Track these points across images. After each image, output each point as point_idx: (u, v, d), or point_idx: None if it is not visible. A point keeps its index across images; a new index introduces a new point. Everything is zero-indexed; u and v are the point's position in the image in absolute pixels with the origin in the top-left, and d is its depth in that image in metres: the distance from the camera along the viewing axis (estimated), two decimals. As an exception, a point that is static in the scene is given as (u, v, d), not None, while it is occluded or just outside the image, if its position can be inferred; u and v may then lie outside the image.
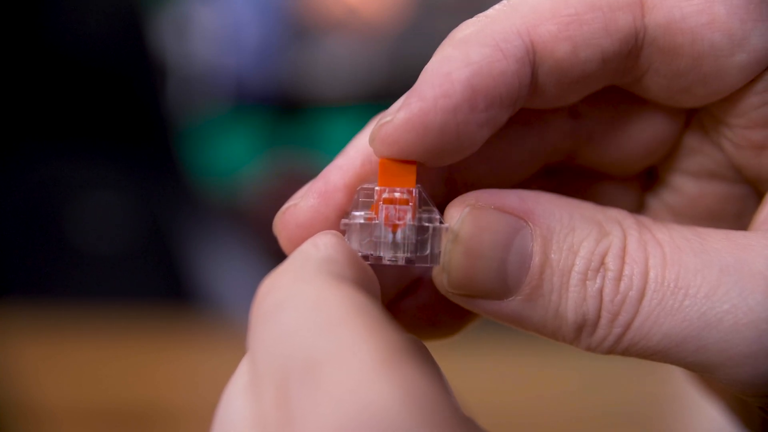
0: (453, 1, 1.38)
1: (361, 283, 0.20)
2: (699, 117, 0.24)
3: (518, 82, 0.21)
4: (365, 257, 0.22)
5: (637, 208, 0.26)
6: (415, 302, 0.26)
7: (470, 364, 0.58)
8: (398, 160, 0.22)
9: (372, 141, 0.22)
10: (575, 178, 0.26)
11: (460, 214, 0.22)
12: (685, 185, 0.25)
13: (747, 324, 0.20)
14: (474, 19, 0.22)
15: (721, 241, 0.21)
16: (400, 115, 0.21)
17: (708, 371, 0.21)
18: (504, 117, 0.22)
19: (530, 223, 0.22)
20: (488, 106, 0.21)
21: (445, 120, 0.21)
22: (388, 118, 0.21)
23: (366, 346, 0.17)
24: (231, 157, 1.40)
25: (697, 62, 0.22)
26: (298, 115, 1.42)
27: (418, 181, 0.22)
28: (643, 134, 0.24)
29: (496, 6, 0.22)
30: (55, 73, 1.00)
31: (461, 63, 0.21)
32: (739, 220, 0.24)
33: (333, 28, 1.43)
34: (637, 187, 0.26)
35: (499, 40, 0.21)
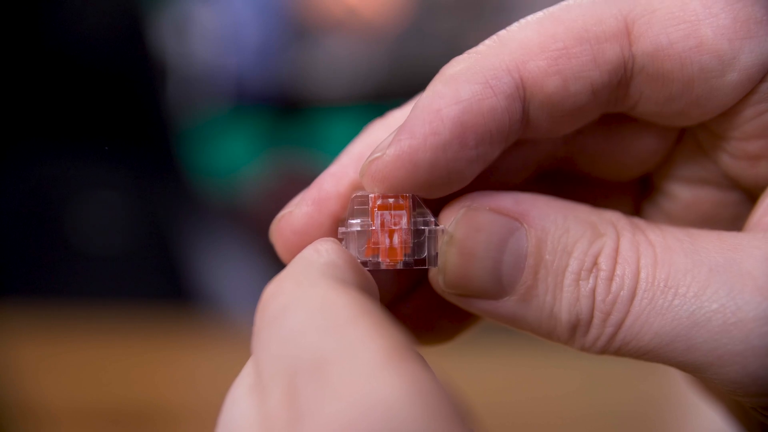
0: (453, 1, 1.38)
1: (363, 287, 0.21)
2: (692, 129, 0.24)
3: (508, 118, 0.21)
4: (364, 263, 0.23)
5: (633, 212, 0.26)
6: (413, 307, 0.26)
7: (470, 364, 0.58)
8: None
9: (362, 176, 0.22)
10: (571, 183, 0.26)
11: (455, 216, 0.22)
12: (679, 191, 0.25)
13: (735, 323, 0.20)
14: (464, 55, 0.22)
15: (712, 242, 0.21)
16: (390, 152, 0.21)
17: (698, 371, 0.21)
18: (495, 152, 0.22)
19: (525, 225, 0.22)
20: (478, 143, 0.21)
21: (435, 157, 0.21)
22: (378, 155, 0.22)
23: (373, 345, 0.17)
24: (231, 157, 1.40)
25: (688, 86, 0.22)
26: (298, 115, 1.42)
27: None
28: (635, 145, 0.24)
29: (486, 42, 0.22)
30: (56, 73, 1.00)
31: (451, 100, 0.21)
32: (734, 224, 0.25)
33: (333, 28, 1.43)
34: (632, 192, 0.26)
35: (488, 77, 0.21)
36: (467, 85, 0.21)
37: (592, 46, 0.21)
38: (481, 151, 0.21)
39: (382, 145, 0.22)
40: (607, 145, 0.25)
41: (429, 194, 0.22)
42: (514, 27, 0.22)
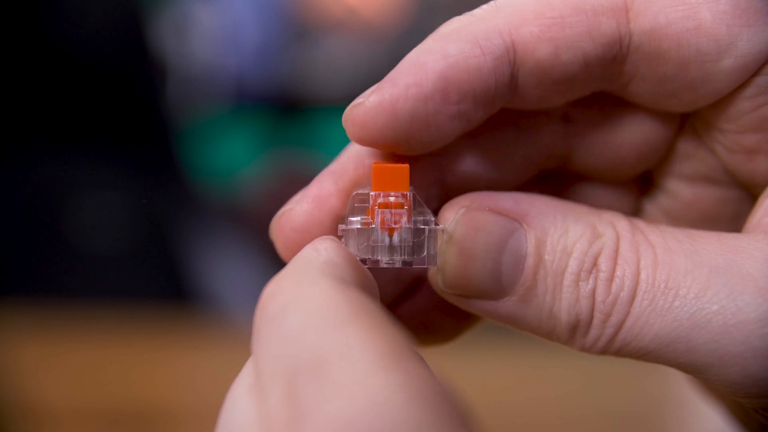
0: (453, 1, 1.38)
1: (362, 286, 0.21)
2: (692, 122, 0.24)
3: (495, 79, 0.21)
4: (363, 261, 0.23)
5: (634, 212, 0.26)
6: (412, 307, 0.26)
7: (470, 364, 0.58)
8: (391, 165, 0.22)
9: (344, 122, 0.22)
10: (571, 184, 0.26)
11: (454, 216, 0.22)
12: (680, 189, 0.25)
13: (736, 325, 0.20)
14: (460, 16, 0.22)
15: (712, 243, 0.21)
16: (372, 99, 0.22)
17: (699, 372, 0.21)
18: (479, 113, 0.22)
19: (524, 225, 0.22)
20: (461, 99, 0.21)
21: (416, 108, 0.21)
22: (361, 101, 0.22)
23: (373, 344, 0.17)
24: (231, 157, 1.40)
25: (683, 68, 0.22)
26: (298, 115, 1.42)
27: (412, 186, 0.23)
28: (635, 139, 0.24)
29: (484, 6, 0.22)
30: (56, 73, 1.00)
31: (438, 55, 0.21)
32: (735, 222, 0.25)
33: (333, 28, 1.43)
34: (633, 191, 0.26)
35: (479, 38, 0.21)
36: (457, 42, 0.21)
37: (588, 17, 0.21)
38: (463, 108, 0.22)
39: (366, 92, 0.22)
40: (606, 139, 0.25)
41: (408, 149, 0.22)
42: None
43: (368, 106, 0.22)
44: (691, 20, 0.21)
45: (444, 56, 0.21)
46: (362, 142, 0.23)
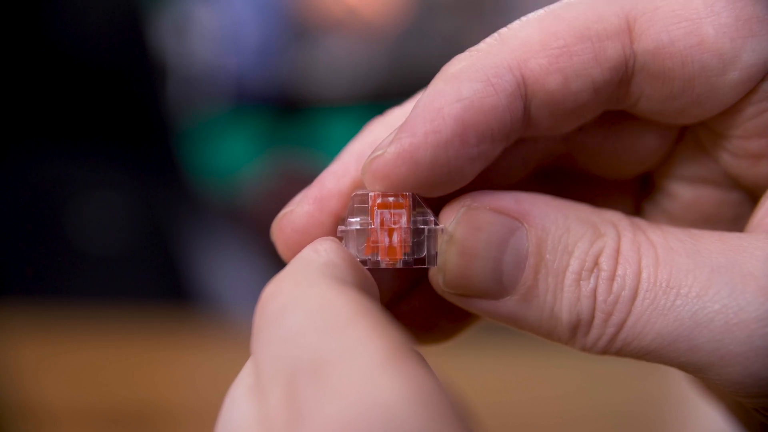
0: (453, 1, 1.38)
1: (362, 287, 0.21)
2: (693, 128, 0.24)
3: (510, 115, 0.21)
4: (363, 262, 0.23)
5: (634, 213, 0.26)
6: (412, 306, 0.26)
7: (470, 364, 0.58)
8: None
9: (363, 174, 0.22)
10: (571, 182, 0.26)
11: (455, 215, 0.22)
12: (680, 191, 0.25)
13: (738, 324, 0.20)
14: (465, 53, 0.22)
15: (714, 243, 0.21)
16: (391, 150, 0.21)
17: (700, 371, 0.21)
18: (497, 150, 0.22)
19: (525, 224, 0.22)
20: (480, 141, 0.21)
21: (436, 155, 0.21)
22: (380, 152, 0.22)
23: (372, 345, 0.17)
24: (231, 157, 1.40)
25: (689, 84, 0.22)
26: (298, 115, 1.42)
27: None
28: (636, 143, 0.24)
29: (487, 39, 0.22)
30: (56, 73, 1.00)
31: (452, 98, 0.21)
32: (735, 224, 0.24)
33: (333, 28, 1.43)
34: (633, 191, 0.26)
35: (490, 75, 0.21)
36: (468, 83, 0.21)
37: (594, 43, 0.21)
38: (483, 149, 0.21)
39: (384, 143, 0.22)
40: (607, 142, 0.25)
41: (430, 193, 0.22)
42: (516, 25, 0.22)
43: (388, 158, 0.21)
44: (694, 36, 0.21)
45: (458, 99, 0.21)
46: (382, 192, 0.22)
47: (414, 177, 0.21)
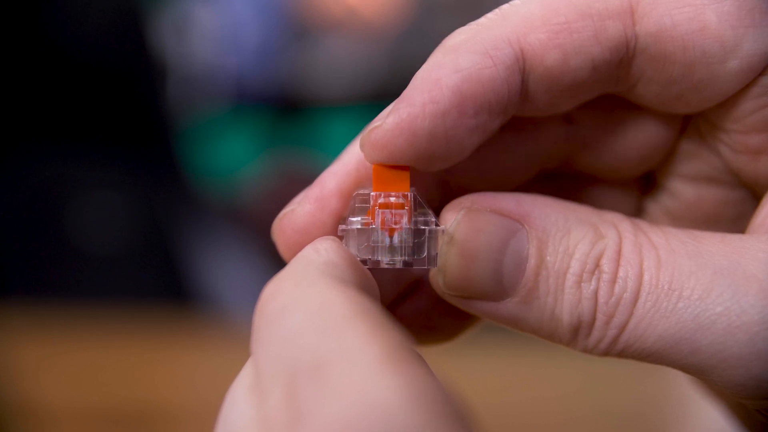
0: (453, 1, 1.38)
1: (362, 287, 0.21)
2: (695, 122, 0.24)
3: (507, 88, 0.21)
4: (363, 261, 0.22)
5: (636, 212, 0.26)
6: (412, 307, 0.26)
7: (470, 364, 0.58)
8: (391, 166, 0.22)
9: (362, 146, 0.22)
10: (573, 184, 0.26)
11: (456, 217, 0.22)
12: (682, 190, 0.25)
13: (740, 326, 0.20)
14: (466, 27, 0.22)
15: (716, 244, 0.21)
16: (389, 120, 0.21)
17: (702, 373, 0.21)
18: (494, 123, 0.22)
19: (526, 226, 0.22)
20: (477, 112, 0.21)
21: (434, 125, 0.21)
22: (378, 123, 0.22)
23: (372, 346, 0.17)
24: (231, 157, 1.40)
25: (689, 70, 0.22)
26: (298, 115, 1.42)
27: (413, 187, 0.23)
28: (638, 140, 0.24)
29: (488, 15, 0.22)
30: (56, 73, 1.00)
31: (450, 69, 0.21)
32: (737, 223, 0.24)
33: (333, 28, 1.43)
34: (635, 191, 0.26)
35: (488, 48, 0.21)
36: (467, 54, 0.21)
37: (595, 22, 0.21)
38: (480, 120, 0.21)
39: (382, 114, 0.22)
40: (609, 139, 0.25)
41: (428, 165, 0.22)
42: (518, 1, 0.22)
43: (386, 128, 0.21)
44: (697, 22, 0.21)
45: (456, 70, 0.21)
46: (380, 163, 0.22)
47: (412, 148, 0.21)
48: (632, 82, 0.23)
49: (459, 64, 0.21)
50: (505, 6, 0.22)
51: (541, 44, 0.21)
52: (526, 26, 0.21)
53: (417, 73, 0.22)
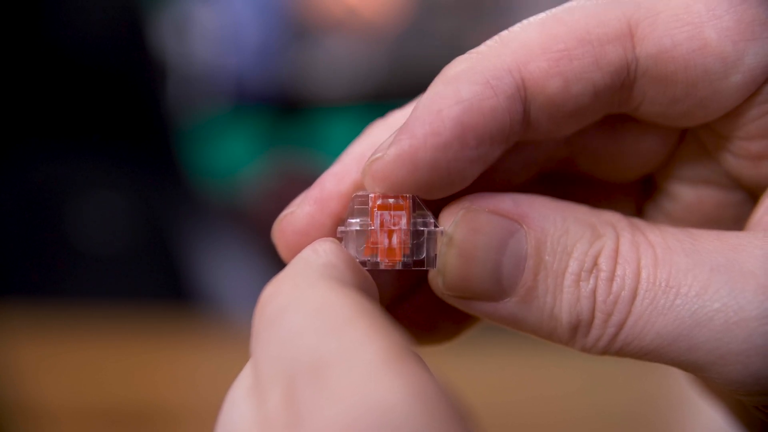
0: (453, 1, 1.38)
1: (362, 288, 0.21)
2: (695, 129, 0.24)
3: (509, 118, 0.21)
4: (363, 263, 0.22)
5: (635, 214, 0.26)
6: (412, 308, 0.26)
7: (470, 365, 0.58)
8: None
9: (363, 176, 0.22)
10: (572, 185, 0.26)
11: (454, 217, 0.22)
12: (682, 192, 0.25)
13: (737, 323, 0.20)
14: (465, 55, 0.22)
15: (712, 242, 0.21)
16: (391, 152, 0.21)
17: (700, 370, 0.21)
18: (496, 152, 0.22)
19: (524, 226, 0.22)
20: (479, 144, 0.21)
21: (436, 157, 0.21)
22: (379, 155, 0.22)
23: (372, 346, 0.17)
24: (231, 157, 1.40)
25: (691, 88, 0.22)
26: (298, 115, 1.42)
27: None
28: (638, 146, 0.24)
29: (488, 42, 0.22)
30: (56, 73, 1.00)
31: (452, 100, 0.21)
32: (737, 225, 0.24)
33: (333, 28, 1.43)
34: (634, 193, 0.26)
35: (489, 78, 0.21)
36: (468, 85, 0.21)
37: (595, 47, 0.21)
38: (482, 151, 0.21)
39: (383, 145, 0.22)
40: (609, 145, 0.25)
41: (430, 195, 0.22)
42: (516, 28, 0.22)
43: (388, 160, 0.21)
44: (697, 40, 0.21)
45: (458, 101, 0.21)
46: (382, 193, 0.22)
47: (413, 179, 0.21)
48: (635, 104, 0.23)
49: (460, 95, 0.21)
50: (504, 33, 0.22)
51: (542, 72, 0.21)
52: (526, 54, 0.21)
53: (418, 102, 0.22)
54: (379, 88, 1.35)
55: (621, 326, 0.21)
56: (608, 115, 0.23)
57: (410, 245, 0.23)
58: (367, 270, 0.22)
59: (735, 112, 0.22)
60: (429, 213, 0.23)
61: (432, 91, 0.21)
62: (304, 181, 0.25)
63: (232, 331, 0.78)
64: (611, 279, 0.21)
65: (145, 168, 1.03)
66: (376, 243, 0.22)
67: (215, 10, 1.40)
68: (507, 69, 0.21)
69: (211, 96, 1.38)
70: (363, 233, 0.23)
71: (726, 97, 0.22)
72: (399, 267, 0.23)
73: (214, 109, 1.39)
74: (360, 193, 0.23)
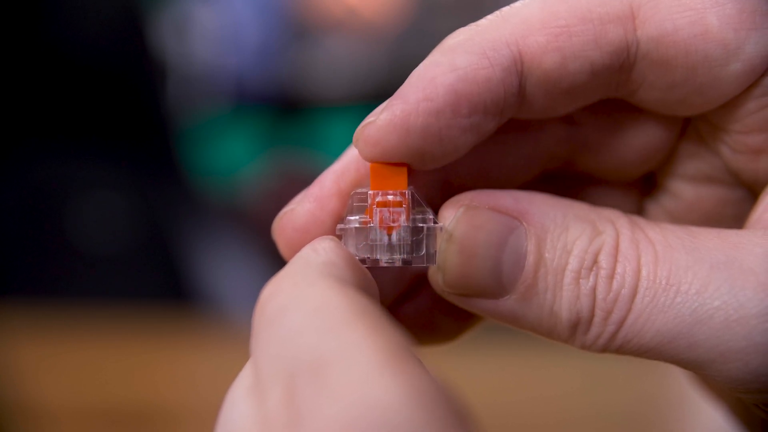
0: (453, 1, 1.38)
1: (362, 286, 0.21)
2: (695, 123, 0.24)
3: (504, 90, 0.21)
4: (362, 260, 0.22)
5: (636, 213, 0.26)
6: (413, 308, 0.26)
7: (470, 365, 0.58)
8: (388, 164, 0.22)
9: (356, 142, 0.22)
10: (573, 184, 0.26)
11: (454, 214, 0.22)
12: (682, 190, 0.25)
13: (738, 320, 0.20)
14: (465, 28, 0.22)
15: (712, 240, 0.21)
16: (383, 117, 0.21)
17: (700, 368, 0.21)
18: (489, 124, 0.22)
19: (524, 223, 0.22)
20: (472, 112, 0.21)
21: (427, 123, 0.21)
22: (371, 119, 0.22)
23: (371, 346, 0.17)
24: (231, 157, 1.40)
25: (691, 73, 0.22)
26: (298, 115, 1.42)
27: (411, 185, 0.23)
28: (639, 141, 0.24)
29: (488, 16, 0.22)
30: (56, 73, 1.00)
31: (447, 68, 0.21)
32: (737, 223, 0.24)
33: (333, 28, 1.43)
34: (635, 192, 0.26)
35: (486, 49, 0.21)
36: (464, 54, 0.21)
37: (595, 26, 0.21)
38: (474, 120, 0.21)
39: (376, 110, 0.22)
40: (609, 140, 0.25)
41: (422, 164, 0.22)
42: (518, 3, 0.22)
43: (380, 124, 0.21)
44: (698, 26, 0.21)
45: (453, 69, 0.21)
46: (374, 160, 0.22)
47: (405, 145, 0.21)
48: (634, 87, 0.23)
49: (455, 64, 0.21)
50: (505, 8, 0.22)
51: (540, 47, 0.21)
52: (525, 29, 0.21)
53: (414, 70, 0.22)
54: (379, 88, 1.35)
55: (621, 324, 0.21)
56: (606, 98, 0.23)
57: (410, 242, 0.22)
58: (367, 267, 0.22)
59: (733, 104, 0.22)
60: (429, 209, 0.23)
61: (428, 59, 0.22)
62: (303, 181, 0.25)
63: (232, 331, 0.78)
64: (611, 276, 0.21)
65: (145, 168, 1.03)
66: (376, 240, 0.22)
67: (215, 10, 1.40)
68: (505, 41, 0.21)
69: (211, 96, 1.38)
70: (362, 230, 0.23)
71: (725, 84, 0.22)
72: (399, 264, 0.23)
73: (214, 109, 1.40)
74: (359, 190, 0.23)
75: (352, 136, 0.25)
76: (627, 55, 0.22)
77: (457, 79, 0.21)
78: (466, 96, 0.21)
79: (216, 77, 1.38)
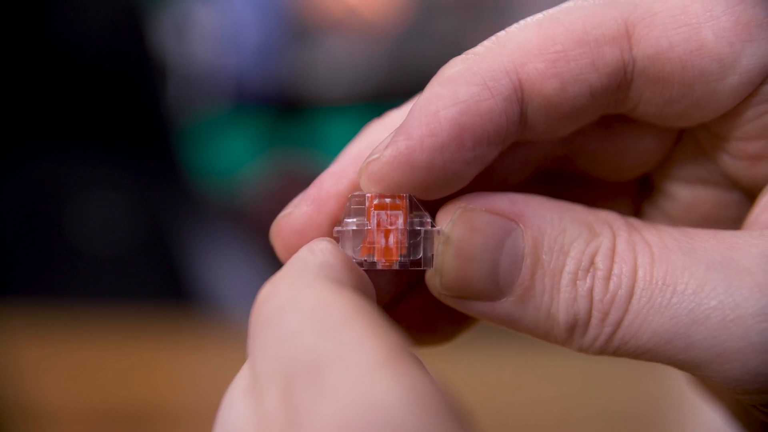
0: (453, 1, 1.38)
1: (358, 288, 0.21)
2: (692, 129, 0.24)
3: (506, 119, 0.21)
4: (359, 263, 0.22)
5: (633, 214, 0.26)
6: (410, 308, 0.26)
7: (469, 365, 0.58)
8: None
9: (360, 178, 0.22)
10: (570, 184, 0.26)
11: (451, 217, 0.22)
12: (679, 192, 0.25)
13: (734, 320, 0.20)
14: (462, 56, 0.22)
15: (709, 240, 0.21)
16: (387, 153, 0.21)
17: (698, 369, 0.21)
18: (493, 153, 0.22)
19: (521, 225, 0.22)
20: (476, 145, 0.21)
21: (432, 158, 0.21)
22: (376, 156, 0.22)
23: (369, 346, 0.17)
24: (231, 157, 1.40)
25: (688, 89, 0.22)
26: (298, 115, 1.42)
27: None
28: (635, 146, 0.24)
29: (485, 43, 0.22)
30: (56, 73, 1.00)
31: (449, 101, 0.21)
32: (734, 225, 0.24)
33: (333, 28, 1.43)
34: (632, 193, 0.26)
35: (486, 79, 0.21)
36: (465, 86, 0.21)
37: (592, 49, 0.21)
38: (479, 152, 0.21)
39: (380, 146, 0.22)
40: (606, 145, 0.25)
41: (427, 195, 0.22)
42: (513, 28, 0.22)
43: (384, 161, 0.21)
44: (694, 41, 0.21)
45: (455, 102, 0.21)
46: (377, 191, 0.22)
47: (410, 180, 0.21)
48: (631, 104, 0.23)
49: (457, 96, 0.21)
50: (501, 33, 0.22)
51: (539, 74, 0.21)
52: (523, 55, 0.21)
53: (415, 103, 0.22)
54: (379, 88, 1.36)
55: (618, 325, 0.21)
56: (605, 115, 0.23)
57: (407, 245, 0.22)
58: (364, 270, 0.22)
59: (732, 113, 0.22)
60: (426, 212, 0.23)
61: (429, 92, 0.21)
62: (303, 181, 0.25)
63: (232, 331, 0.78)
64: (608, 278, 0.21)
65: (145, 168, 1.03)
66: (373, 243, 0.22)
67: (215, 10, 1.40)
68: (504, 70, 0.21)
69: (211, 96, 1.38)
70: (360, 233, 0.23)
71: (723, 98, 0.22)
72: (396, 267, 0.23)
73: (214, 109, 1.40)
74: (357, 192, 0.23)
75: (352, 136, 0.25)
76: (624, 74, 0.22)
77: (460, 112, 0.21)
78: (470, 129, 0.21)
79: (216, 77, 1.38)
